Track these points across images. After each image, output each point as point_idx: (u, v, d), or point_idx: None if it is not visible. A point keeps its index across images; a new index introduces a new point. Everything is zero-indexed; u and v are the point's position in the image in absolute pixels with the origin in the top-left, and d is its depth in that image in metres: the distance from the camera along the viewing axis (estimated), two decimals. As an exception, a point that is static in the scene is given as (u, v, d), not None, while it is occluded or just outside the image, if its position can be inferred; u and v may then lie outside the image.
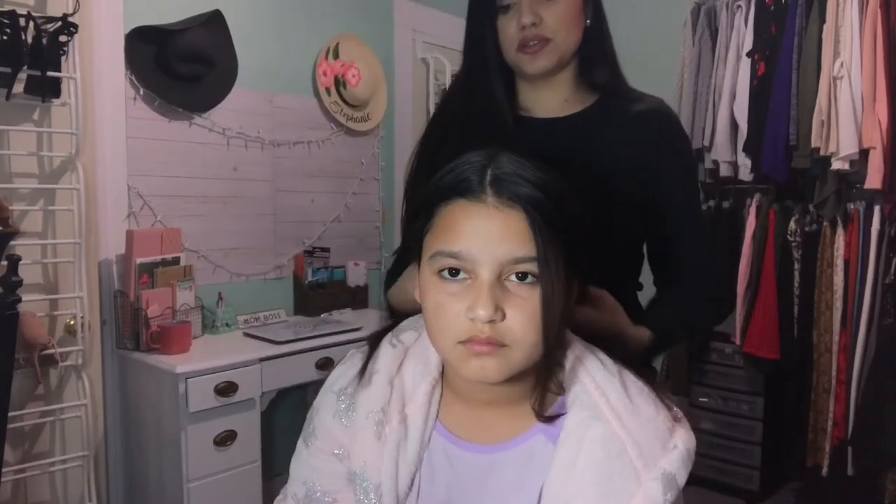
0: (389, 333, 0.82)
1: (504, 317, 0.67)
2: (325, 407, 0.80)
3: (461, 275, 0.68)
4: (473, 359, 0.68)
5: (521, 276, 0.67)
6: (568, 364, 0.75)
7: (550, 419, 0.72)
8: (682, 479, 0.69)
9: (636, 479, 0.68)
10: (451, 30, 3.44)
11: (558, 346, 0.70)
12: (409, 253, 0.78)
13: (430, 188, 0.73)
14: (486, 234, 0.67)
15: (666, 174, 1.10)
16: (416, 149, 1.17)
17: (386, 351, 0.79)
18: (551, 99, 1.14)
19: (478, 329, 0.67)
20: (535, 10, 1.05)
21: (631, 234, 1.13)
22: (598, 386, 0.73)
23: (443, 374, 0.78)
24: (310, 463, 0.80)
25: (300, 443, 0.82)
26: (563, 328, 0.69)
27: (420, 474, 0.75)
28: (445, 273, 0.69)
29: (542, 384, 0.71)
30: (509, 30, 1.08)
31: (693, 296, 1.10)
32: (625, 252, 1.14)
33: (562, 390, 0.74)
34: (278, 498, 0.85)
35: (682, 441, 0.70)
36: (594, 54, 1.12)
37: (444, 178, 0.72)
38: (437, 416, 0.77)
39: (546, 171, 0.72)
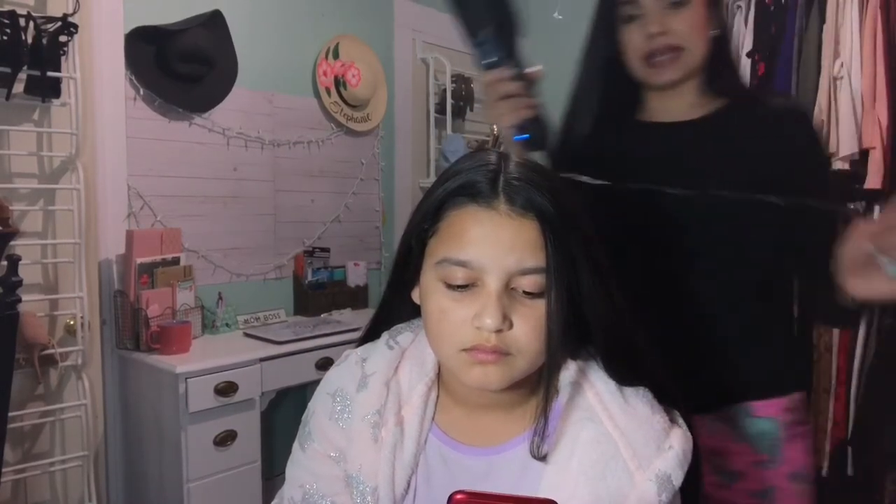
0: (386, 334, 0.81)
1: (511, 326, 0.66)
2: (320, 409, 0.79)
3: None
4: (476, 366, 0.67)
5: (529, 286, 0.66)
6: (565, 366, 0.74)
7: (546, 424, 0.71)
8: (677, 480, 0.68)
9: (630, 480, 0.67)
10: (451, 30, 3.44)
11: (560, 354, 0.69)
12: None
13: (438, 190, 0.71)
14: (497, 243, 0.66)
15: (795, 175, 1.05)
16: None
17: (383, 353, 0.79)
18: (677, 105, 1.12)
19: (484, 338, 0.66)
20: (662, 20, 1.03)
21: (767, 240, 1.08)
22: (592, 386, 0.73)
23: (439, 375, 0.78)
24: (307, 466, 0.79)
25: (296, 446, 0.81)
26: (565, 336, 0.68)
27: (416, 477, 0.75)
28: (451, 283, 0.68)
29: (543, 389, 0.70)
30: (634, 40, 1.06)
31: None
32: (765, 259, 1.10)
33: (557, 392, 0.74)
34: (274, 502, 0.85)
35: (678, 442, 0.70)
36: (720, 65, 1.10)
37: (452, 180, 0.70)
38: (432, 419, 0.76)
39: (556, 178, 0.71)
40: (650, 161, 1.10)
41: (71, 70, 1.99)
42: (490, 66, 0.97)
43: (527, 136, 0.96)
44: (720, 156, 1.07)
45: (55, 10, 1.98)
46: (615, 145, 1.12)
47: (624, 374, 0.73)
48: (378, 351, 0.79)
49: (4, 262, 1.59)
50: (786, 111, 1.11)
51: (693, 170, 1.07)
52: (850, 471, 2.50)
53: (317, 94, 2.82)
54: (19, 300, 1.59)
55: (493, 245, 0.66)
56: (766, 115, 1.09)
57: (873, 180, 2.38)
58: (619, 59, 1.11)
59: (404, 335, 0.80)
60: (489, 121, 1.06)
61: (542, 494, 0.69)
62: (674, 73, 1.07)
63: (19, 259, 1.62)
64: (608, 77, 1.13)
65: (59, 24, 1.93)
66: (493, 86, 0.97)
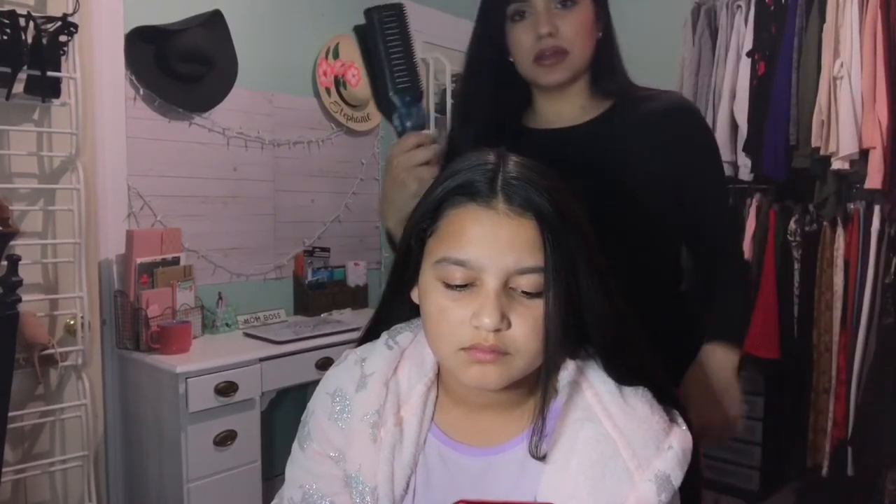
0: (385, 334, 0.81)
1: (509, 325, 0.66)
2: (319, 409, 0.79)
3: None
4: (475, 365, 0.67)
5: (528, 285, 0.66)
6: (564, 366, 0.74)
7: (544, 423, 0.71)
8: (677, 480, 0.68)
9: (629, 480, 0.67)
10: (451, 30, 3.44)
11: (558, 354, 0.69)
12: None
13: (437, 190, 0.71)
14: (495, 242, 0.66)
15: (690, 168, 1.11)
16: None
17: (382, 352, 0.79)
18: (566, 109, 1.14)
19: (482, 337, 0.66)
20: (552, 20, 1.04)
21: (664, 231, 1.13)
22: (591, 386, 0.73)
23: (438, 375, 0.78)
24: (306, 466, 0.79)
25: (295, 446, 0.81)
26: (565, 337, 0.68)
27: (416, 477, 0.75)
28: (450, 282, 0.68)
29: (541, 389, 0.70)
30: (524, 40, 1.07)
31: (736, 287, 1.16)
32: (660, 249, 1.15)
33: (556, 392, 0.73)
34: (274, 502, 0.85)
35: (678, 442, 0.70)
36: (605, 66, 1.12)
37: (451, 179, 0.71)
38: (432, 419, 0.76)
39: (554, 177, 0.71)
40: None
41: (71, 70, 1.99)
42: (415, 129, 1.00)
43: None
44: (609, 157, 1.10)
45: (55, 10, 1.98)
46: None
47: (623, 374, 0.73)
48: (377, 351, 0.79)
49: (4, 262, 1.59)
50: (672, 108, 1.12)
51: (584, 173, 1.06)
52: (850, 471, 2.50)
53: (317, 94, 2.82)
54: (19, 300, 1.59)
55: (491, 244, 0.66)
56: (651, 113, 1.11)
57: (873, 180, 2.39)
58: (507, 60, 1.10)
59: (403, 335, 0.80)
60: (398, 191, 1.06)
61: (541, 494, 0.70)
62: (561, 75, 1.07)
63: (19, 259, 1.62)
64: (496, 79, 1.12)
65: (59, 24, 1.93)
66: (422, 149, 0.98)
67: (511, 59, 1.11)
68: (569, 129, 1.13)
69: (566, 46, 1.05)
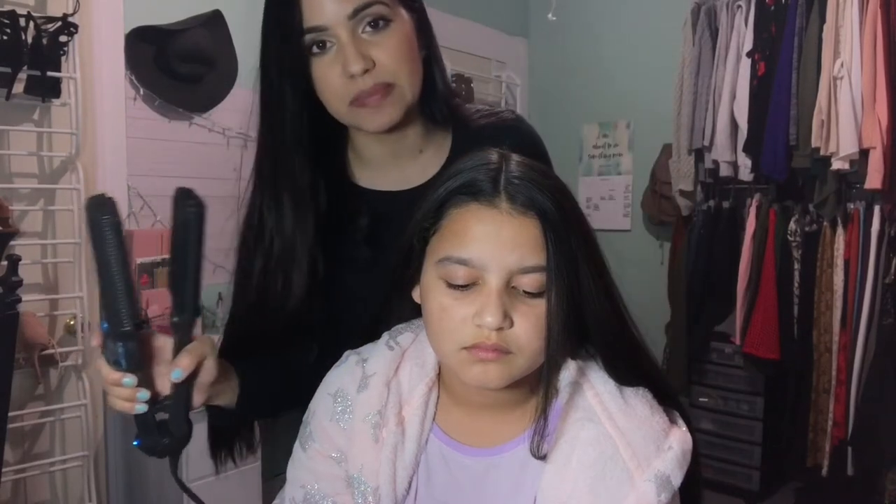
0: (386, 335, 0.81)
1: (511, 324, 0.66)
2: (321, 410, 0.79)
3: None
4: (476, 364, 0.67)
5: (530, 285, 0.67)
6: (565, 366, 0.74)
7: (546, 423, 0.71)
8: (676, 481, 0.68)
9: (629, 480, 0.67)
10: (452, 30, 3.44)
11: (560, 354, 0.69)
12: None
13: (439, 189, 0.72)
14: (498, 241, 0.66)
15: None
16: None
17: (383, 353, 0.79)
18: (398, 150, 0.95)
19: (484, 335, 0.66)
20: (362, 51, 0.82)
21: None
22: (592, 386, 0.73)
23: (439, 376, 0.78)
24: (308, 466, 0.79)
25: (297, 446, 0.81)
26: (566, 337, 0.68)
27: (417, 477, 0.75)
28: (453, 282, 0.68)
29: (543, 388, 0.70)
30: (332, 79, 0.85)
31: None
32: None
33: (557, 392, 0.74)
34: (275, 502, 0.85)
35: (678, 442, 0.70)
36: (435, 89, 0.93)
37: (454, 179, 0.71)
38: (433, 419, 0.76)
39: (556, 178, 0.71)
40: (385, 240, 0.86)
41: (71, 70, 1.99)
42: (114, 363, 0.76)
43: (138, 441, 0.83)
44: None
45: (55, 10, 1.98)
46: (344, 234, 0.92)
47: (623, 375, 0.73)
48: (378, 351, 0.79)
49: (4, 262, 1.59)
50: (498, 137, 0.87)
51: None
52: (850, 471, 2.51)
53: (317, 94, 2.82)
54: (19, 300, 1.59)
55: (494, 243, 0.66)
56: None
57: (873, 180, 2.39)
58: (313, 105, 0.90)
59: (405, 335, 0.80)
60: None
61: (541, 494, 0.70)
62: (390, 116, 0.86)
63: (19, 259, 1.62)
64: (303, 133, 0.93)
65: (59, 24, 1.93)
66: (118, 389, 0.77)
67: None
68: (408, 193, 0.93)
69: (390, 79, 0.84)
